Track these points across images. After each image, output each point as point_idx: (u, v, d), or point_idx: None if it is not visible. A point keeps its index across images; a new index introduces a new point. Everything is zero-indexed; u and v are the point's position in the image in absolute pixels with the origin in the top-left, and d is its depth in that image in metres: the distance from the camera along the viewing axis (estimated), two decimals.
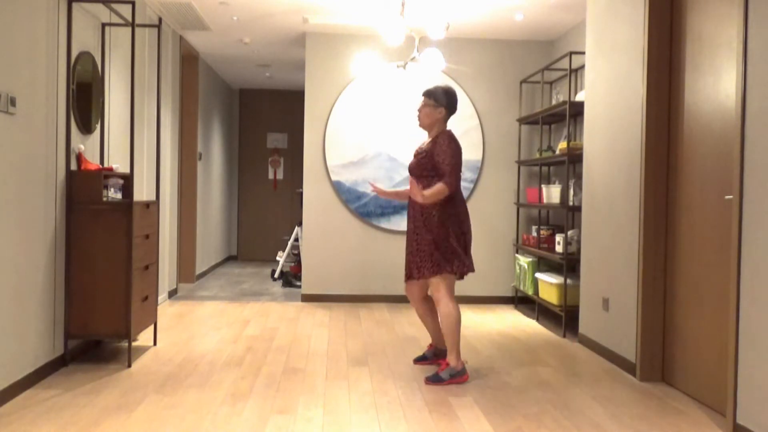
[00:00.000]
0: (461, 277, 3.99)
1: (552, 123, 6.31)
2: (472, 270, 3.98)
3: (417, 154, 4.07)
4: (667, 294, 3.92)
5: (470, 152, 6.59)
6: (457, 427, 3.10)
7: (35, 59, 3.59)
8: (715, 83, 3.48)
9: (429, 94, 4.05)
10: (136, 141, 4.85)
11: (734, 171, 3.07)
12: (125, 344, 4.41)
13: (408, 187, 4.11)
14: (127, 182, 4.20)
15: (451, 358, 3.88)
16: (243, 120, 10.17)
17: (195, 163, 7.46)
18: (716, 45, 3.47)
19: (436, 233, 3.88)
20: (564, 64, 5.73)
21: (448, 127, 4.06)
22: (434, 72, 6.35)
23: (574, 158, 5.22)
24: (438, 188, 3.84)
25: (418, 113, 4.08)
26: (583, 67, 5.30)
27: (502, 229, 6.64)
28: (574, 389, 3.75)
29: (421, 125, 4.09)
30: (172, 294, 6.56)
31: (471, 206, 6.57)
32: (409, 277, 4.04)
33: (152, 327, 4.61)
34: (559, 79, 6.18)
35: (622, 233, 4.23)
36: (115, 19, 4.62)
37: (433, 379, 3.83)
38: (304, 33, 6.50)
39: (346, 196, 6.48)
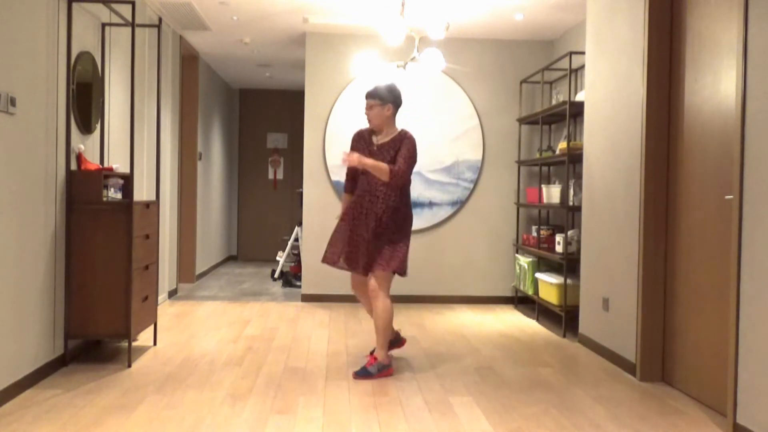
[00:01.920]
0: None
1: (552, 123, 6.31)
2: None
3: (374, 153, 4.08)
4: (667, 294, 3.92)
5: (470, 152, 6.60)
6: (457, 427, 3.10)
7: (35, 59, 3.59)
8: (715, 83, 3.48)
9: (373, 95, 4.13)
10: (136, 141, 4.84)
11: (734, 171, 3.07)
12: (125, 344, 4.41)
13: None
14: (127, 182, 4.20)
15: (380, 354, 3.98)
16: (243, 120, 10.18)
17: (195, 163, 7.46)
18: (716, 45, 3.47)
19: (399, 231, 4.02)
20: (564, 64, 5.72)
21: (399, 126, 4.19)
22: (434, 72, 6.34)
23: (574, 158, 5.22)
24: (381, 164, 3.97)
25: (366, 116, 4.14)
26: (583, 67, 5.30)
27: (502, 229, 6.64)
28: (574, 389, 3.75)
29: (372, 126, 4.16)
30: (172, 294, 6.56)
31: (471, 206, 6.61)
32: (364, 268, 4.10)
33: (152, 327, 4.61)
34: (559, 79, 6.18)
35: (622, 233, 4.23)
36: (115, 19, 4.62)
37: (362, 374, 3.90)
38: (304, 33, 6.50)
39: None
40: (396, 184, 4.00)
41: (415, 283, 6.51)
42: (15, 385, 3.38)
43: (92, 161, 4.28)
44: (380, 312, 4.00)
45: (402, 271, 4.05)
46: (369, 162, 3.98)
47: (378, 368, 3.93)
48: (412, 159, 4.04)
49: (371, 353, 4.09)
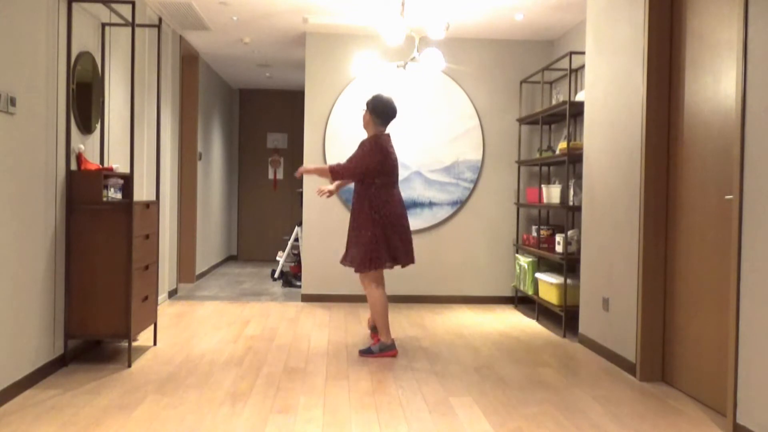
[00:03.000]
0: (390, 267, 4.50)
1: (552, 123, 6.31)
2: (400, 262, 4.47)
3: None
4: (667, 294, 3.92)
5: (470, 152, 6.60)
6: (457, 427, 3.11)
7: (35, 59, 3.59)
8: (715, 83, 3.48)
9: (366, 101, 4.63)
10: (136, 141, 4.85)
11: (734, 171, 3.07)
12: (125, 344, 4.41)
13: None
14: (127, 182, 4.20)
15: (382, 336, 4.44)
16: (243, 120, 10.17)
17: (195, 163, 7.46)
18: (716, 45, 3.47)
19: (365, 232, 4.38)
20: (564, 64, 5.72)
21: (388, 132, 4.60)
22: (434, 72, 6.35)
23: (574, 158, 5.22)
24: (322, 167, 4.59)
25: None
26: (583, 67, 5.30)
27: (502, 229, 6.64)
28: (574, 389, 3.75)
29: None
30: (172, 294, 6.56)
31: (471, 206, 6.62)
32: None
33: (152, 327, 4.61)
34: (559, 79, 6.18)
35: (622, 233, 4.23)
36: (115, 19, 4.62)
37: (365, 352, 4.41)
38: (304, 33, 6.50)
39: (347, 196, 6.48)
40: (342, 179, 4.54)
41: (415, 283, 6.52)
42: (15, 385, 3.38)
43: (92, 161, 4.28)
44: (370, 303, 4.50)
45: (355, 267, 4.43)
46: (310, 167, 4.66)
47: (380, 348, 4.37)
48: (360, 156, 4.42)
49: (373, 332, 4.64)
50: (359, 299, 6.50)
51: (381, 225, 4.35)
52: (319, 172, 4.62)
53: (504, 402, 3.49)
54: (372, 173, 4.38)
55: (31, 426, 3.00)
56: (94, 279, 3.96)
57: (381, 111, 4.53)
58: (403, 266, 4.54)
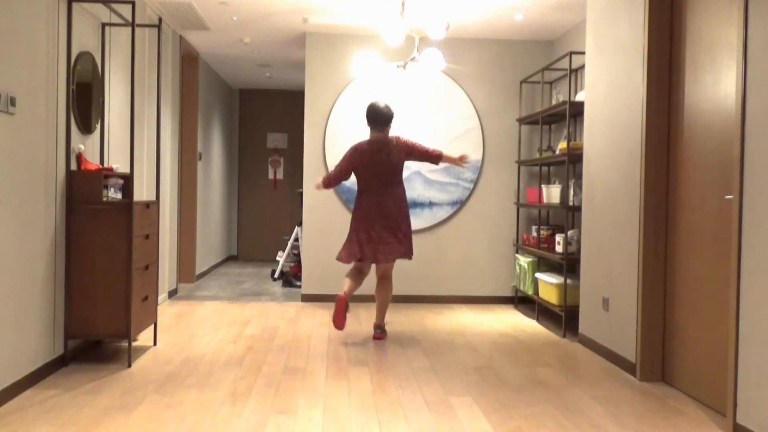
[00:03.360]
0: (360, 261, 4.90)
1: (552, 123, 6.31)
2: (367, 259, 4.84)
3: None
4: (667, 294, 3.92)
5: (470, 152, 6.56)
6: (457, 427, 3.10)
7: (35, 59, 3.59)
8: (715, 83, 3.48)
9: None
10: (136, 141, 4.84)
11: (734, 171, 3.07)
12: (125, 344, 4.41)
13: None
14: (127, 182, 4.20)
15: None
16: (243, 120, 10.18)
17: (195, 163, 7.46)
18: (716, 45, 3.47)
19: (349, 230, 4.95)
20: (564, 64, 5.72)
21: (395, 134, 5.04)
22: (434, 72, 6.34)
23: (574, 158, 5.22)
24: (320, 181, 5.14)
25: None
26: (583, 67, 5.30)
27: (502, 229, 6.64)
28: (574, 389, 3.75)
29: None
30: (172, 294, 6.56)
31: (471, 206, 6.62)
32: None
33: (152, 327, 4.61)
34: (559, 79, 6.18)
35: (622, 233, 4.23)
36: (115, 19, 4.62)
37: (380, 332, 4.98)
38: (304, 33, 6.50)
39: (346, 196, 6.48)
40: (329, 187, 5.13)
41: (416, 283, 6.52)
42: (15, 385, 3.38)
43: (92, 161, 4.28)
44: None
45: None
46: (320, 182, 5.12)
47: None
48: (340, 162, 4.99)
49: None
50: (359, 299, 6.49)
51: (355, 226, 4.88)
52: (319, 185, 5.17)
53: (504, 402, 3.49)
54: (356, 177, 4.94)
55: (31, 426, 3.00)
56: (94, 279, 3.96)
57: (371, 117, 4.93)
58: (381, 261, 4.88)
